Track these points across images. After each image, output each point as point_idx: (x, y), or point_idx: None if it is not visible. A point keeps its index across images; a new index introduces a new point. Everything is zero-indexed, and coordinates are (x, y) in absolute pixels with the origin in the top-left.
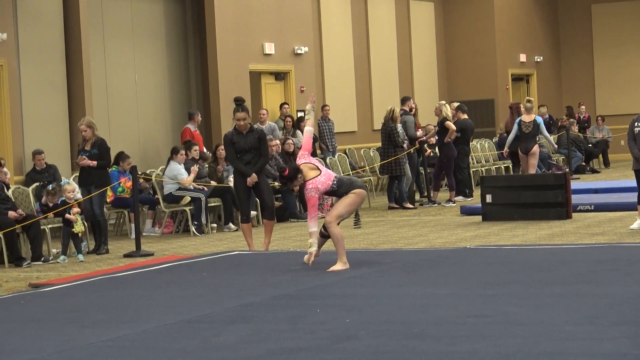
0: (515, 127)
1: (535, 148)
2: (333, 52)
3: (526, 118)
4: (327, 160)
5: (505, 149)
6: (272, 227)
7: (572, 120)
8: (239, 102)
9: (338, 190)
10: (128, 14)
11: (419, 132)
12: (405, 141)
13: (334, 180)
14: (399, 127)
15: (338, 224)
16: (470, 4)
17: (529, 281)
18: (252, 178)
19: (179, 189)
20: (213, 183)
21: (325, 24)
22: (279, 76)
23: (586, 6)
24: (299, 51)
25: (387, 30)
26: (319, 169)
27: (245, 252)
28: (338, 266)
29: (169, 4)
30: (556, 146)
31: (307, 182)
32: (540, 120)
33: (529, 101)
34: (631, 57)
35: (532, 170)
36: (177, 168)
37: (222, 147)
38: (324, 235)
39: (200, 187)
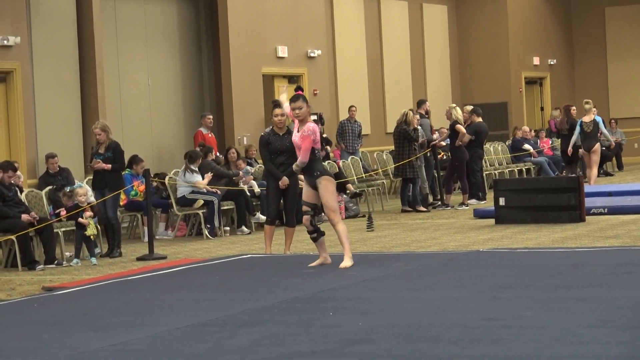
0: (578, 128)
1: (597, 146)
2: (346, 55)
3: (587, 118)
4: (341, 162)
5: (569, 148)
6: (292, 233)
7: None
8: (276, 101)
9: (315, 164)
10: (141, 16)
11: (434, 135)
12: (422, 139)
13: (318, 149)
14: (419, 128)
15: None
16: (483, 7)
17: (541, 284)
18: (284, 181)
19: (192, 192)
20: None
21: (338, 27)
22: (292, 79)
23: (600, 9)
24: (312, 54)
25: (400, 33)
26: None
27: (257, 255)
28: (347, 262)
29: (182, 6)
30: (614, 143)
31: (309, 124)
32: (599, 119)
33: (587, 102)
34: None
35: (595, 166)
36: (195, 173)
37: (233, 150)
38: (319, 235)
39: (213, 190)
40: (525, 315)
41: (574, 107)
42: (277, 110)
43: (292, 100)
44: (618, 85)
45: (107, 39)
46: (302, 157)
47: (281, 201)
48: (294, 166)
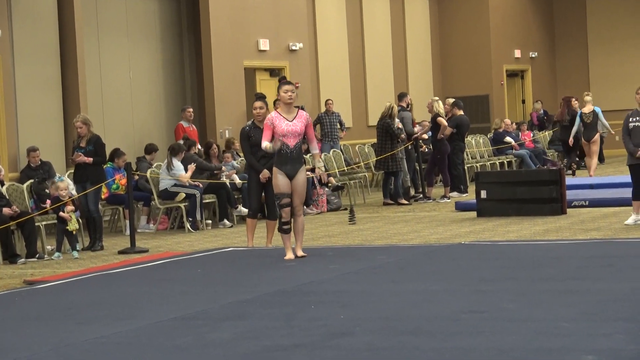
0: (578, 119)
1: (597, 136)
2: (328, 49)
3: (586, 109)
4: (331, 152)
5: (570, 138)
6: (274, 226)
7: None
8: (258, 94)
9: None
10: (123, 10)
11: (416, 128)
12: (402, 134)
13: (284, 144)
14: (398, 121)
15: None
16: (464, 0)
17: (523, 277)
18: (264, 174)
19: (174, 185)
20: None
21: (320, 20)
22: (274, 72)
23: (581, 1)
24: (293, 47)
25: (382, 26)
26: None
27: (240, 248)
28: (302, 252)
29: (163, 0)
30: (613, 132)
31: (302, 112)
32: (598, 110)
33: (587, 94)
34: (626, 52)
35: (595, 156)
36: (177, 165)
37: (215, 146)
38: (287, 230)
39: (195, 183)
40: (507, 308)
41: (575, 99)
42: (258, 104)
43: (286, 82)
44: (599, 77)
45: (88, 33)
46: (316, 146)
47: (263, 194)
48: (318, 162)
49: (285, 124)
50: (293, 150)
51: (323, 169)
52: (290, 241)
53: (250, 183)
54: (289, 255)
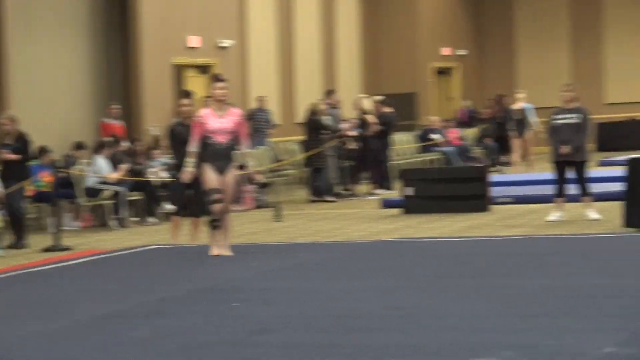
0: (511, 115)
1: (527, 133)
2: (257, 46)
3: (518, 106)
4: (258, 149)
5: (510, 134)
6: (199, 223)
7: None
8: (184, 91)
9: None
10: (51, 5)
11: (343, 125)
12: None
13: (213, 139)
14: (329, 118)
15: None
16: None
17: (445, 273)
18: (190, 172)
19: (100, 182)
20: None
21: (250, 17)
22: (203, 69)
23: (508, 0)
24: (222, 44)
25: (311, 23)
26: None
27: (163, 246)
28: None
29: None
30: (542, 130)
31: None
32: (529, 107)
33: (520, 92)
34: (552, 50)
35: (529, 151)
36: (102, 163)
37: (141, 142)
38: (218, 226)
39: (121, 180)
40: (428, 304)
41: (506, 96)
42: (185, 101)
43: (219, 79)
44: (526, 75)
45: (16, 28)
46: (246, 145)
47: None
48: (247, 160)
49: (216, 121)
50: (224, 146)
51: (252, 168)
52: (217, 238)
53: (176, 180)
54: (214, 252)
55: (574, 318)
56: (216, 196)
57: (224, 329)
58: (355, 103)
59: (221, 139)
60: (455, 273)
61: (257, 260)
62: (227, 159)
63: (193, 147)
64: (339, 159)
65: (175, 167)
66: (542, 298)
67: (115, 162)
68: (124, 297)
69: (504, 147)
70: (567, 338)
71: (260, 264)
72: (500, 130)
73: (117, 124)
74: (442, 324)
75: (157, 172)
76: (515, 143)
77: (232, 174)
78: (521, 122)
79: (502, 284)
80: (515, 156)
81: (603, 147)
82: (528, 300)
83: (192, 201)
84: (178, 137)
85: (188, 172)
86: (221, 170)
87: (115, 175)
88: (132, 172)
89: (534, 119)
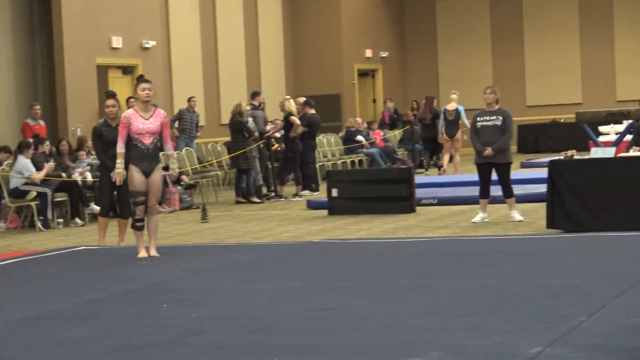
0: (442, 115)
1: (459, 134)
2: (181, 47)
3: (450, 107)
4: (184, 150)
5: (440, 135)
6: (126, 225)
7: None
8: (109, 92)
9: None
10: None
11: (268, 127)
12: (255, 134)
13: (138, 140)
14: (250, 120)
15: None
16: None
17: (373, 274)
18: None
19: (25, 183)
20: (62, 176)
21: (173, 18)
22: (127, 70)
23: (431, 3)
24: (146, 45)
25: (234, 24)
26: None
27: (91, 247)
28: (156, 252)
29: None
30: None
31: (159, 110)
32: (461, 108)
33: (454, 93)
34: (475, 52)
35: (457, 153)
36: (25, 163)
37: (65, 142)
38: (141, 227)
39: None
40: (358, 305)
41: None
42: (110, 102)
43: (143, 81)
44: (448, 77)
45: None
46: (170, 147)
47: (115, 193)
48: (172, 162)
49: (142, 122)
50: (149, 147)
51: (177, 170)
52: (143, 239)
53: (102, 181)
54: (142, 254)
55: (502, 318)
56: (139, 198)
57: (156, 330)
58: (280, 104)
59: (146, 140)
60: (385, 274)
61: (186, 261)
62: (152, 159)
63: (120, 147)
64: (264, 161)
65: (101, 168)
66: (471, 298)
67: (37, 162)
68: (54, 298)
69: (434, 148)
70: (495, 338)
71: (190, 265)
72: (426, 132)
73: (39, 125)
74: (373, 325)
75: (82, 172)
76: (447, 145)
77: (158, 175)
78: (454, 124)
79: (431, 284)
80: (446, 158)
81: (524, 149)
82: (457, 301)
83: (119, 202)
84: (103, 138)
85: (120, 173)
86: (147, 172)
87: (38, 176)
88: (58, 173)
89: (466, 120)
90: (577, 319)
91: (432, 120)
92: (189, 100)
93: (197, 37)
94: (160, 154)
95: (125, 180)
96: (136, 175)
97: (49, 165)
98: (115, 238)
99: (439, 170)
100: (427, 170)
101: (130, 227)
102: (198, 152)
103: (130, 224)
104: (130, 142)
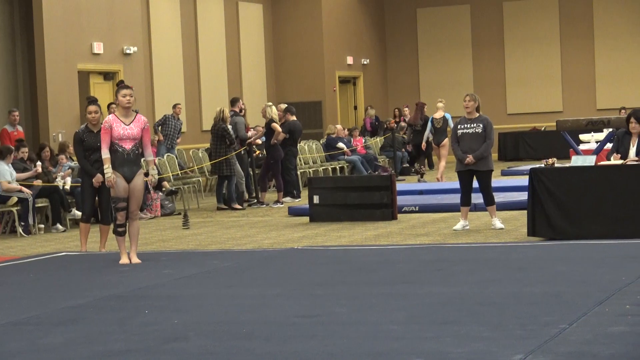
0: (429, 124)
1: (446, 141)
2: (162, 52)
3: (437, 115)
4: (165, 156)
5: (423, 143)
6: (108, 230)
7: (403, 124)
8: (90, 98)
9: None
10: None
11: (250, 133)
12: (236, 141)
13: (119, 145)
14: (229, 127)
15: None
16: (297, 6)
17: (355, 281)
18: (97, 179)
19: (5, 189)
20: (39, 182)
21: (155, 23)
22: (108, 76)
23: (411, 10)
24: (128, 51)
25: (216, 30)
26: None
27: (73, 253)
28: (137, 259)
29: None
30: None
31: (140, 115)
32: (449, 116)
33: (440, 101)
34: (456, 60)
35: (444, 160)
36: (5, 169)
37: (47, 149)
38: (122, 232)
39: (25, 188)
40: (339, 312)
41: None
42: (92, 107)
43: (124, 87)
44: (429, 85)
45: None
46: (150, 153)
47: (96, 198)
48: (152, 168)
49: (122, 128)
50: (130, 152)
51: (156, 176)
52: (125, 245)
53: (84, 187)
54: (124, 260)
55: (484, 326)
56: (120, 204)
57: (137, 337)
58: (262, 111)
59: (127, 146)
60: (367, 281)
61: (168, 267)
62: (133, 165)
63: (105, 153)
64: (245, 167)
65: (82, 174)
66: (452, 306)
67: (17, 169)
68: (35, 304)
69: (417, 154)
70: (476, 345)
71: (171, 271)
72: (415, 138)
73: (17, 131)
74: (354, 332)
75: (64, 177)
76: (443, 151)
77: (140, 180)
78: (441, 131)
79: (412, 292)
80: (442, 164)
81: (505, 156)
82: (438, 308)
83: (101, 208)
84: (85, 144)
85: (109, 177)
86: (128, 177)
87: (25, 175)
88: (38, 178)
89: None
90: (558, 327)
91: (423, 126)
92: (174, 107)
93: (178, 43)
94: (142, 160)
95: (105, 185)
96: (117, 180)
97: (38, 169)
98: (96, 244)
99: (420, 177)
100: (422, 177)
101: (112, 233)
102: (179, 158)
103: (112, 230)
104: (111, 148)
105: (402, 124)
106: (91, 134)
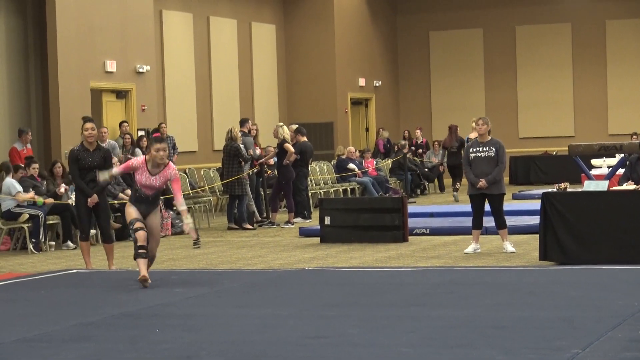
0: (466, 144)
1: None
2: (175, 72)
3: (472, 135)
4: None
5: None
6: (112, 249)
7: (403, 142)
8: (86, 118)
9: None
10: None
11: (257, 151)
12: (249, 159)
13: (140, 190)
14: (242, 146)
15: None
16: (310, 27)
17: (366, 303)
18: (93, 199)
19: (18, 205)
20: (50, 200)
21: (168, 43)
22: (121, 94)
23: (424, 33)
24: (140, 70)
25: (228, 51)
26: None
27: (84, 271)
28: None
29: (9, 18)
30: None
31: (171, 164)
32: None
33: (474, 121)
34: (468, 83)
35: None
36: (11, 182)
37: (59, 165)
38: (144, 255)
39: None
40: (350, 333)
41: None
42: (89, 125)
43: (158, 140)
44: (441, 107)
45: None
46: (182, 202)
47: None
48: (185, 217)
49: (147, 177)
50: (150, 196)
51: (192, 225)
52: (145, 265)
53: (79, 206)
54: (143, 272)
55: (496, 349)
56: (137, 225)
57: (149, 355)
58: (274, 131)
59: (148, 192)
60: (378, 303)
61: (179, 286)
62: (151, 205)
63: (115, 172)
64: (255, 187)
65: (77, 193)
66: (464, 329)
67: (25, 186)
68: (47, 321)
69: (454, 175)
70: None
71: (182, 290)
72: (451, 160)
73: (26, 149)
74: (366, 354)
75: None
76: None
77: (157, 220)
78: None
79: (424, 314)
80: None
81: (516, 180)
82: (450, 331)
83: (99, 227)
84: (80, 163)
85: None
86: (144, 213)
87: (23, 197)
88: (49, 195)
89: None
90: (570, 351)
91: (459, 148)
92: (159, 126)
93: (191, 62)
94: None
95: (101, 204)
96: (131, 207)
97: (30, 195)
98: (102, 262)
99: (455, 192)
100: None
101: (133, 259)
102: (190, 177)
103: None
104: (132, 184)
105: (402, 142)
106: (87, 152)
